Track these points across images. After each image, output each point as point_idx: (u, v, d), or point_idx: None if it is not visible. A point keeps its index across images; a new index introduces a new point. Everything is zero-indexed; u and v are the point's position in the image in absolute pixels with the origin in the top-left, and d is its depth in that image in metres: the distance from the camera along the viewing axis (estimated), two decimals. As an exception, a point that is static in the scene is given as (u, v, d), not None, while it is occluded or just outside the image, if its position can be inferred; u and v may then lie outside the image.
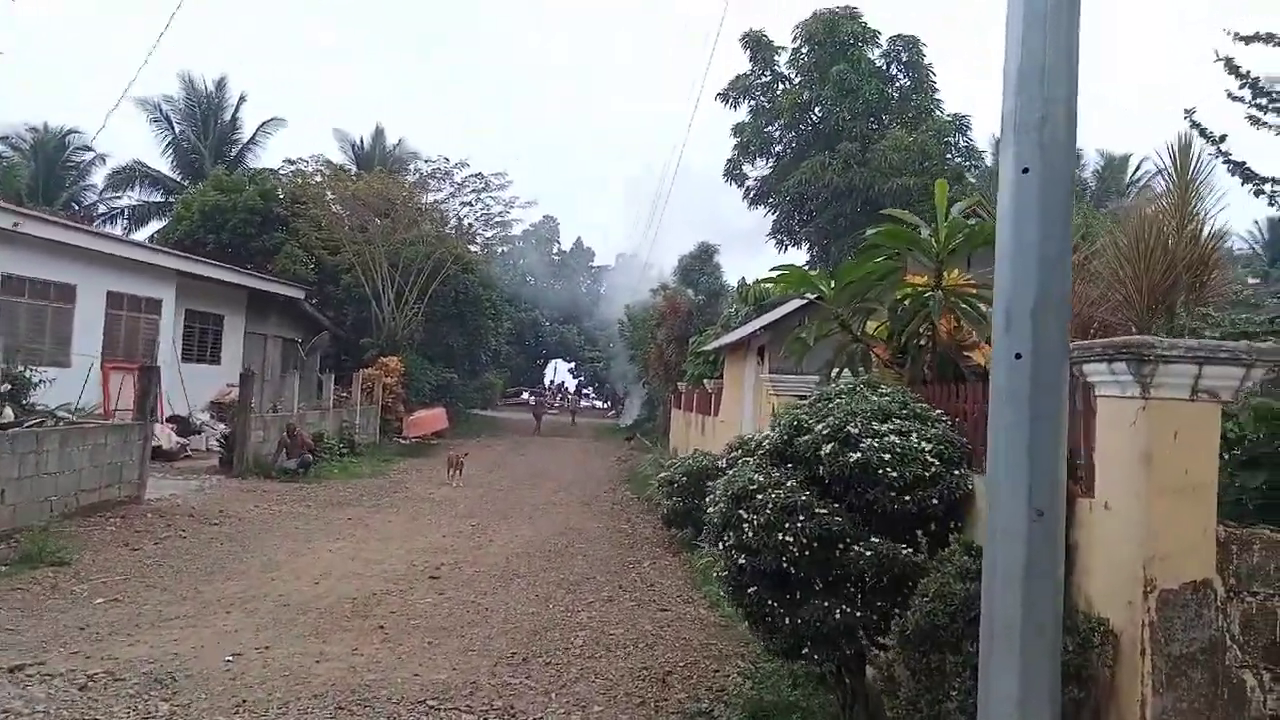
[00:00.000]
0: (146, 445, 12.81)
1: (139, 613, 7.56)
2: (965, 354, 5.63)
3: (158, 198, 40.90)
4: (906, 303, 5.74)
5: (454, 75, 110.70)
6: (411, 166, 35.49)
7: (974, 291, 5.56)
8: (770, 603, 4.96)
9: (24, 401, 16.21)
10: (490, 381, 53.03)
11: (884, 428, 4.85)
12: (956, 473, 4.76)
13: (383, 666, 6.51)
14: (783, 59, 28.07)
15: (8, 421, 14.45)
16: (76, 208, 39.81)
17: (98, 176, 41.85)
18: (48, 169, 39.01)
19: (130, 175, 40.84)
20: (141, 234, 38.45)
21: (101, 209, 41.35)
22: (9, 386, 15.47)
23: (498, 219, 32.83)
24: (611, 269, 71.94)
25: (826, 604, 4.75)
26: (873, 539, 4.71)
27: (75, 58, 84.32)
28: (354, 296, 32.98)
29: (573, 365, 74.05)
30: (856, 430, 4.85)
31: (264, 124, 41.21)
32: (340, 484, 17.56)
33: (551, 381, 76.25)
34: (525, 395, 68.23)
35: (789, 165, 26.23)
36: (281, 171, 35.09)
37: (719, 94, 27.84)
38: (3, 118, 45.13)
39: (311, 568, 9.78)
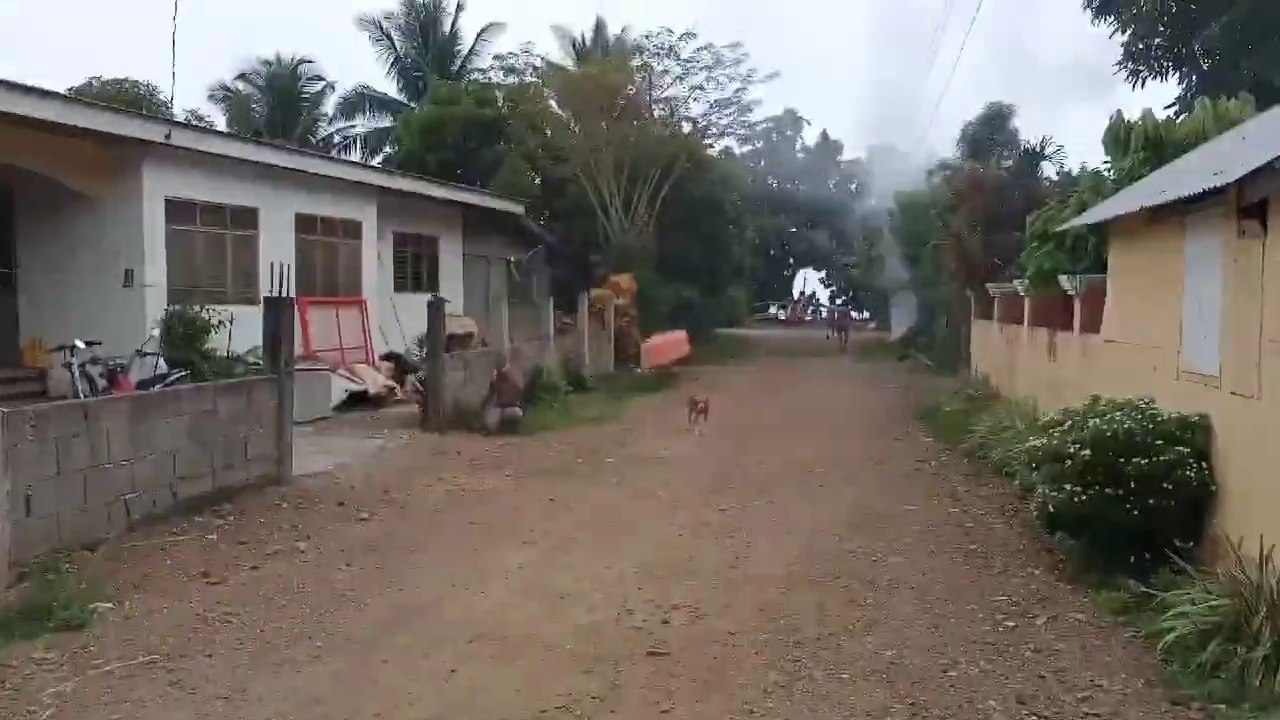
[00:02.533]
0: (285, 406, 9.55)
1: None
2: None
3: (387, 122, 39.56)
4: None
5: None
6: (636, 58, 31.01)
7: None
8: None
9: (201, 347, 13.96)
10: (735, 297, 48.70)
11: None
12: None
13: None
14: None
15: (149, 378, 11.98)
16: (312, 140, 39.36)
17: (330, 105, 41.27)
18: (283, 102, 38.45)
19: (358, 101, 39.71)
20: (375, 161, 37.28)
21: (336, 139, 40.77)
22: (156, 332, 13.11)
23: (734, 100, 27.73)
24: (864, 162, 64.41)
25: None
26: None
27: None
28: (581, 209, 29.60)
29: (824, 274, 67.92)
30: None
31: (482, 31, 38.10)
32: (557, 437, 13.93)
33: (802, 293, 70.68)
34: (774, 309, 63.44)
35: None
36: (493, 74, 31.82)
37: None
38: (242, 52, 45.80)
39: (463, 622, 5.88)
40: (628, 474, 11.22)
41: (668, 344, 21.99)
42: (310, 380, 15.41)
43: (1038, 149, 16.35)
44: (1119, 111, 10.85)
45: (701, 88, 27.36)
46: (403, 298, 21.09)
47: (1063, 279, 10.02)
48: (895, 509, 9.28)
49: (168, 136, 13.96)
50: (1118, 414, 6.43)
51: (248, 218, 16.45)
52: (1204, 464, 6.13)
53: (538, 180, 31.11)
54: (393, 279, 21.29)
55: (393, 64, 39.05)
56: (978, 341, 18.13)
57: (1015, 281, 13.38)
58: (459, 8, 38.25)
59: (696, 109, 28.17)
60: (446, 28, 38.57)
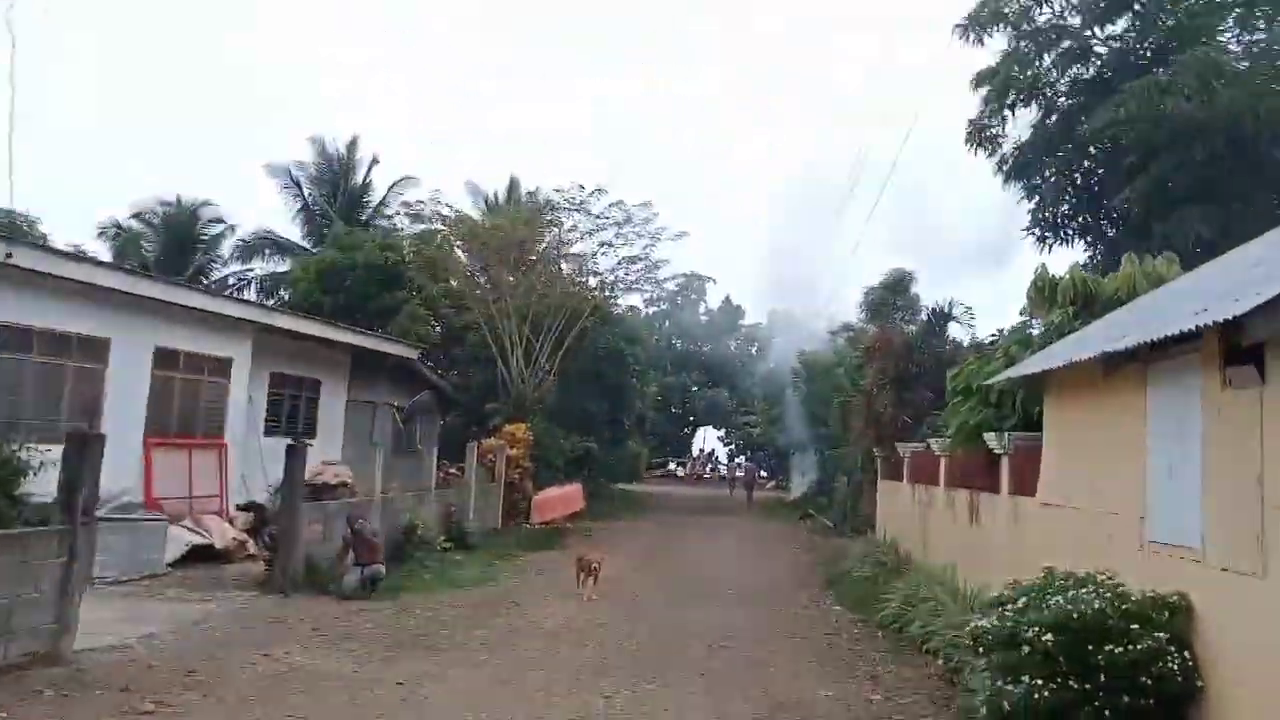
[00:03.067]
0: (78, 564, 7.73)
1: None
2: None
3: (286, 266, 38.23)
4: None
5: (595, 115, 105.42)
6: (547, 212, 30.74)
7: None
8: None
9: (12, 492, 11.84)
10: (636, 452, 47.64)
11: None
12: None
13: None
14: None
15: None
16: (204, 280, 37.54)
17: (228, 247, 39.81)
18: (178, 241, 36.78)
19: (258, 244, 38.38)
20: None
21: (232, 280, 39.07)
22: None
23: (641, 257, 27.54)
24: (765, 326, 65.77)
25: None
26: None
27: (211, 129, 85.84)
28: (480, 358, 28.45)
29: (723, 432, 67.75)
30: None
31: (395, 183, 37.83)
32: (425, 602, 12.15)
33: (701, 450, 70.17)
34: (673, 465, 62.47)
35: (1075, 112, 18.62)
36: (399, 219, 31.10)
37: (958, 25, 19.94)
38: (138, 195, 44.28)
39: None
40: (500, 649, 9.56)
41: (560, 498, 20.51)
42: (142, 531, 13.43)
43: (944, 310, 16.27)
44: (1044, 265, 10.54)
45: (610, 244, 27.16)
46: (274, 443, 19.15)
47: (989, 436, 9.26)
48: (810, 695, 7.93)
49: (8, 255, 12.32)
50: (1082, 591, 5.37)
51: (97, 348, 14.66)
52: (1185, 654, 5.07)
53: (438, 328, 30.02)
54: (263, 422, 19.42)
55: (300, 210, 38.19)
56: (885, 503, 17.33)
57: (931, 441, 12.69)
58: (374, 161, 38.06)
59: (605, 263, 27.93)
60: (359, 178, 38.17)
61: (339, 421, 22.65)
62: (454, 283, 28.51)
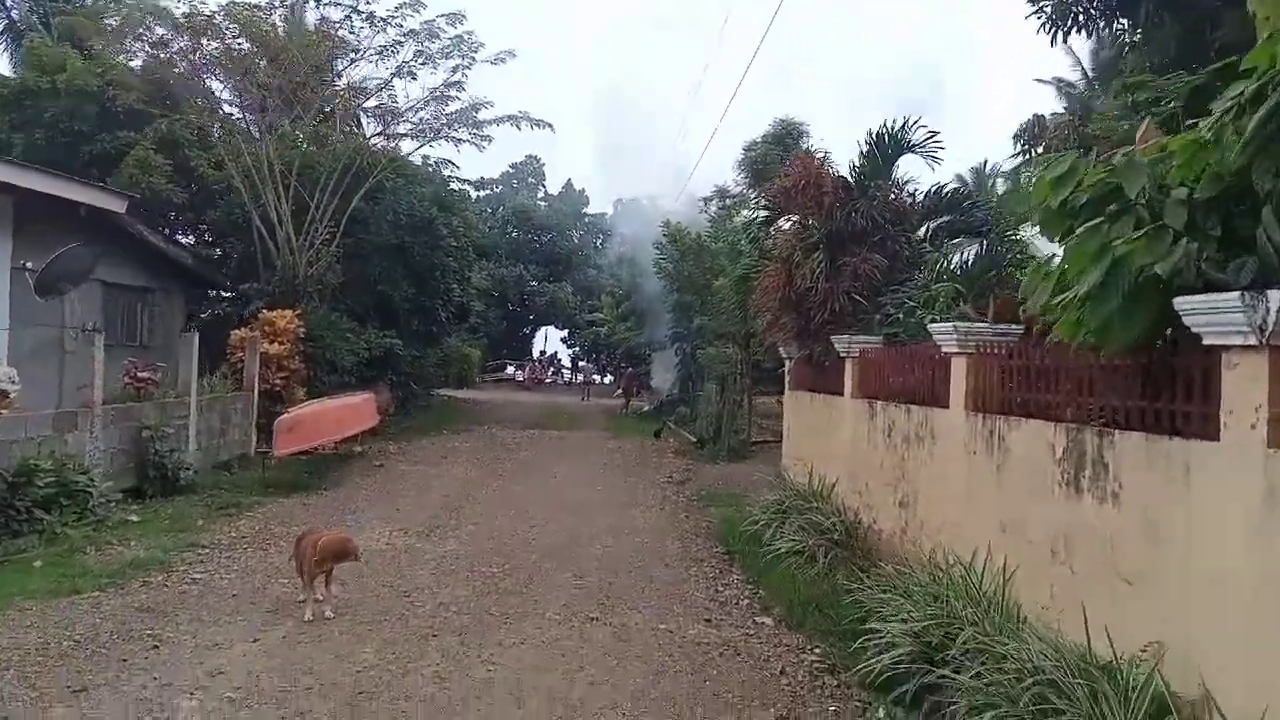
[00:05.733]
0: None
1: None
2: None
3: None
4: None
5: None
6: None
7: None
8: None
9: None
10: (466, 353, 41.24)
11: None
12: None
13: None
14: None
15: None
16: None
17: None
18: None
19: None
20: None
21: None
22: None
23: (452, 92, 20.68)
24: (609, 216, 59.82)
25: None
26: None
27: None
28: (239, 223, 21.19)
29: (565, 333, 62.00)
30: None
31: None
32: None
33: (543, 352, 64.22)
34: (511, 370, 56.16)
35: None
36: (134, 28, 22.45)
37: None
38: None
39: None
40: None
41: (331, 413, 14.14)
42: None
43: (895, 133, 10.56)
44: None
45: (409, 66, 20.02)
46: None
47: (1187, 301, 3.89)
48: None
49: None
50: None
51: None
52: None
53: (187, 188, 22.29)
54: None
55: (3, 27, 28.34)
56: (801, 423, 12.14)
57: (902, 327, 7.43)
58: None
59: (404, 96, 20.89)
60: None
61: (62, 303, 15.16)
62: (207, 125, 20.84)
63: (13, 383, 12.78)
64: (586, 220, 62.00)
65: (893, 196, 10.58)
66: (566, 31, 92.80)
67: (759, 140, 20.03)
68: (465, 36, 20.22)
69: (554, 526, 10.86)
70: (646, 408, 30.83)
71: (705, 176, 79.80)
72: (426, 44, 19.69)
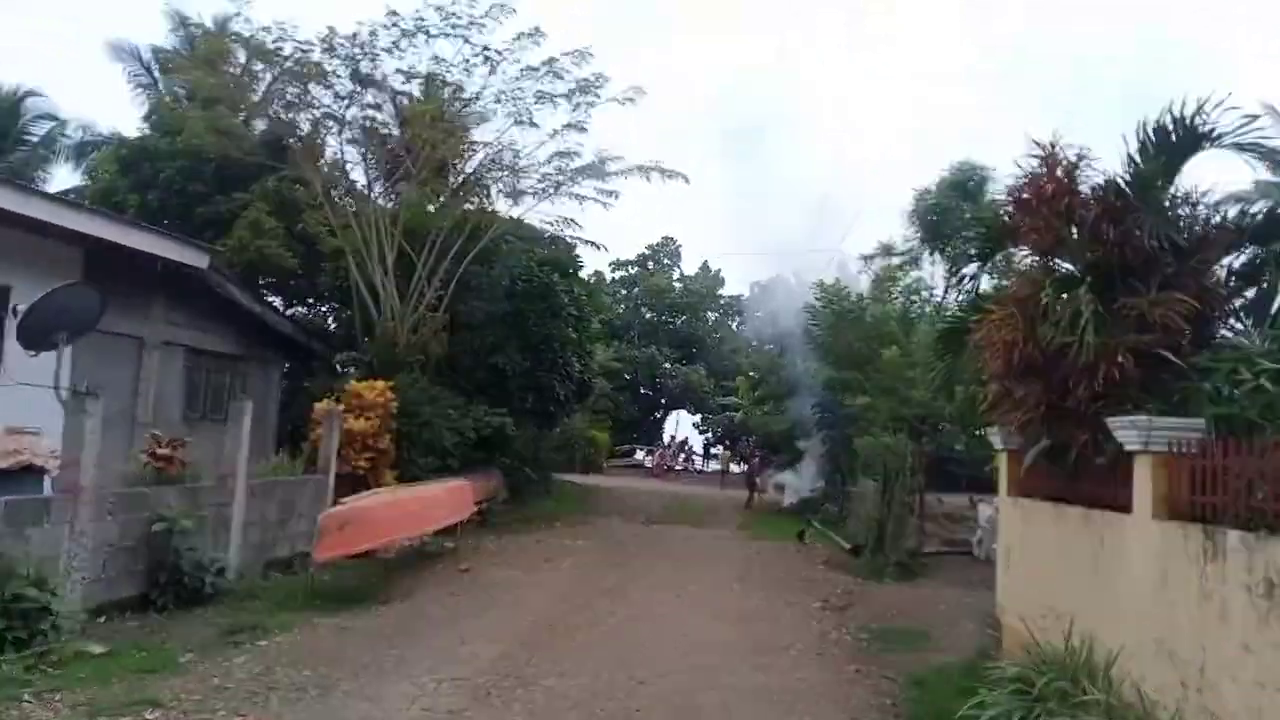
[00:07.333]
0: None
1: None
2: None
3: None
4: None
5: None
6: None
7: None
8: None
9: None
10: (588, 434, 38.60)
11: None
12: None
13: None
14: None
15: None
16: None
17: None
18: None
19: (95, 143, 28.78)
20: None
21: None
22: None
23: (575, 135, 18.37)
24: (746, 298, 56.76)
25: None
26: None
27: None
28: (343, 288, 19.41)
29: (699, 417, 58.56)
30: None
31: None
32: None
33: (673, 437, 60.84)
34: (640, 455, 52.92)
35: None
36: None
37: None
38: None
39: None
40: None
41: (401, 506, 11.35)
42: None
43: (1188, 120, 7.00)
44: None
45: (530, 117, 17.88)
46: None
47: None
48: None
49: None
50: None
51: None
52: None
53: (299, 252, 20.77)
54: None
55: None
56: (1036, 549, 8.39)
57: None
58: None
59: (520, 140, 18.75)
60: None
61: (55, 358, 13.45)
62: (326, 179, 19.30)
63: (47, 454, 10.73)
64: (722, 302, 59.27)
65: (1184, 212, 7.09)
66: (689, 83, 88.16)
67: (932, 188, 16.71)
68: (593, 80, 17.95)
69: (669, 687, 7.55)
70: (786, 503, 27.03)
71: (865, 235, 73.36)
72: (549, 84, 17.51)
